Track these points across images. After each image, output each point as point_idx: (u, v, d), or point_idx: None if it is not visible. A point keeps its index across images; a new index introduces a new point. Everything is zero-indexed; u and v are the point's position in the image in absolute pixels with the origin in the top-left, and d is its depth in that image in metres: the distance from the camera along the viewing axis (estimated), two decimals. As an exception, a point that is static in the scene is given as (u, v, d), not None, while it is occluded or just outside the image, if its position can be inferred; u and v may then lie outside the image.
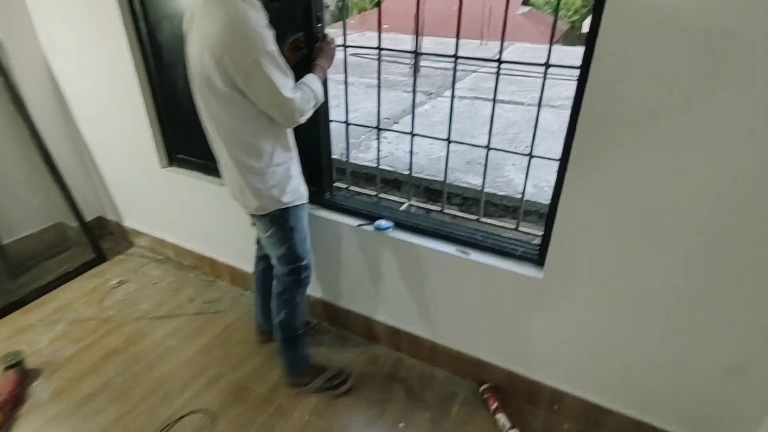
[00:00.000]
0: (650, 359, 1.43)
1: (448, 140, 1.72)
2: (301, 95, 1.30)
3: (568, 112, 1.29)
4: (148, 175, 2.32)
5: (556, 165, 1.38)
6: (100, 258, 2.55)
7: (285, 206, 1.48)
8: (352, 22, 12.95)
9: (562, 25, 17.80)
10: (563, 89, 6.59)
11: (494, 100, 1.55)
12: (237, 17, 1.16)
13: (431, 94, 6.84)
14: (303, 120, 1.35)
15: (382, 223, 1.75)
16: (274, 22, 1.27)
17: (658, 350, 1.41)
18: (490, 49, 10.37)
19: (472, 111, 6.09)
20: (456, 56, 1.54)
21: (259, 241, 1.82)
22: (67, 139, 2.48)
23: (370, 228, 1.77)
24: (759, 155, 1.06)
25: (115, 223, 2.73)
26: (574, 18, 17.87)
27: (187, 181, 2.22)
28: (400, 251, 1.75)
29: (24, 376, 1.82)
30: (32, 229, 2.50)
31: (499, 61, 1.49)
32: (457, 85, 8.50)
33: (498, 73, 1.56)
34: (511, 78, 7.56)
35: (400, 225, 1.76)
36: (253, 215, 1.54)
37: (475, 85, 7.52)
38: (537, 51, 10.06)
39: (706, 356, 1.35)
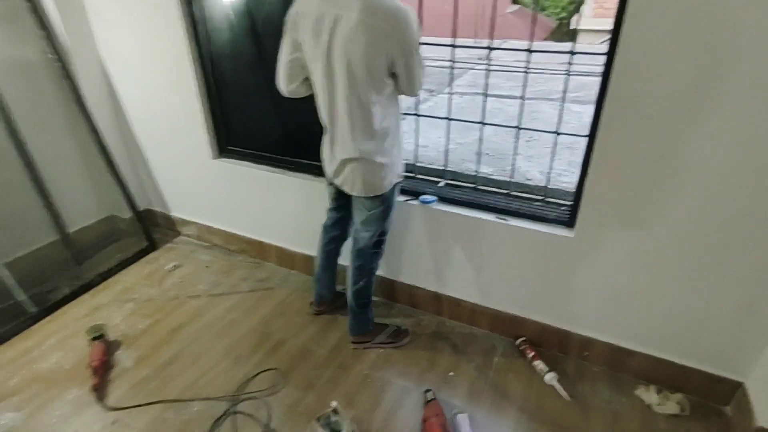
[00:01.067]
0: (671, 302, 1.68)
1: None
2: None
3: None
4: (200, 166, 2.53)
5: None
6: (152, 246, 2.75)
7: (395, 183, 1.69)
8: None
9: (551, 22, 18.18)
10: (559, 84, 6.88)
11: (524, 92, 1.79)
12: (404, 12, 1.36)
13: (433, 91, 7.09)
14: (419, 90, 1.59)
15: (427, 197, 1.99)
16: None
17: (678, 293, 1.65)
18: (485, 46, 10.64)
19: (475, 106, 6.34)
20: (490, 48, 1.78)
21: (337, 221, 1.95)
22: (119, 137, 2.68)
23: (415, 202, 2.00)
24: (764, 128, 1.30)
25: (162, 214, 2.93)
26: (562, 15, 18.23)
27: (237, 170, 2.44)
28: (443, 222, 1.99)
29: (108, 345, 2.03)
30: (89, 221, 2.70)
31: (529, 51, 1.73)
32: (456, 82, 8.75)
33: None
34: (508, 74, 7.84)
35: (442, 199, 2.00)
36: (365, 198, 1.67)
37: (474, 82, 7.77)
38: (527, 47, 10.34)
39: (720, 295, 1.59)
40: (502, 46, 10.50)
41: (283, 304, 2.31)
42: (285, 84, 1.63)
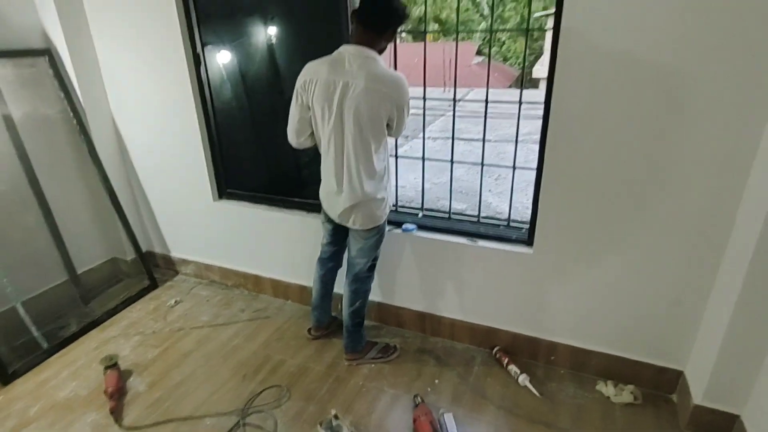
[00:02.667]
0: (617, 304, 1.99)
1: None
2: None
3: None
4: (201, 209, 2.79)
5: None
6: (153, 285, 2.95)
7: (387, 215, 1.99)
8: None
9: (514, 71, 19.53)
10: (523, 127, 7.50)
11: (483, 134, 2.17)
12: (401, 81, 1.74)
13: (408, 136, 7.59)
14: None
15: (408, 226, 2.30)
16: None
17: (621, 296, 1.97)
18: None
19: (447, 149, 6.83)
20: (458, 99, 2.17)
21: (333, 253, 2.20)
22: (125, 185, 2.94)
23: (398, 231, 2.30)
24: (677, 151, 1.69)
25: (162, 255, 3.14)
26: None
27: (236, 210, 2.72)
28: (422, 246, 2.29)
29: (121, 373, 2.19)
30: (95, 263, 2.90)
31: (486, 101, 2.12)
32: (428, 128, 9.36)
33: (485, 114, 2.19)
34: (476, 119, 8.47)
35: (420, 227, 2.31)
36: (363, 230, 1.94)
37: (445, 127, 8.36)
38: (493, 95, 11.19)
39: (655, 295, 1.91)
40: (469, 95, 11.29)
41: (280, 330, 2.52)
42: (295, 138, 1.93)
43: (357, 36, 1.74)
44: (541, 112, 1.85)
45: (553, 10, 1.70)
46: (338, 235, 2.13)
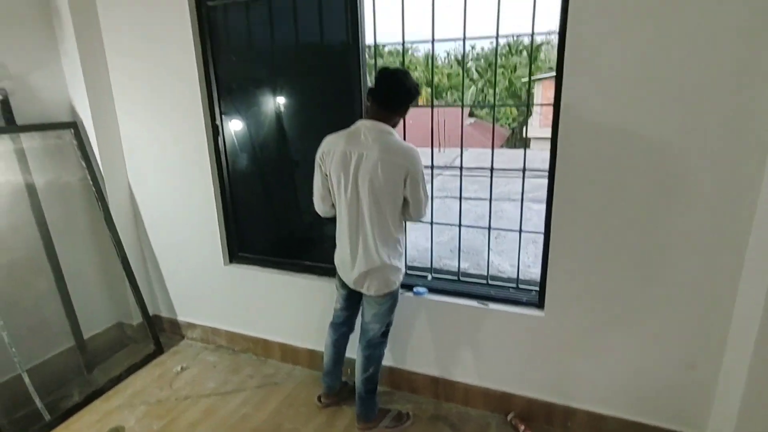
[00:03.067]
0: (631, 367, 1.99)
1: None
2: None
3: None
4: (212, 272, 2.82)
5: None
6: (159, 350, 2.90)
7: (401, 281, 2.03)
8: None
9: (505, 131, 20.35)
10: (519, 185, 7.74)
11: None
12: (414, 152, 1.83)
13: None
14: (423, 217, 1.98)
15: (419, 289, 2.33)
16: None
17: (635, 358, 1.98)
18: (448, 155, 11.82)
19: (446, 208, 7.01)
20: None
21: (346, 318, 2.21)
22: (137, 249, 2.98)
23: (409, 294, 2.33)
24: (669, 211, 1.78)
25: (168, 319, 3.12)
26: (514, 125, 20.52)
27: (246, 273, 2.75)
28: (434, 310, 2.31)
29: (127, 447, 2.12)
30: (100, 328, 2.87)
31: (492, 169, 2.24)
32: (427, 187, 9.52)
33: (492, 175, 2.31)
34: (472, 179, 8.73)
35: (431, 290, 2.35)
36: (378, 296, 1.97)
37: (442, 186, 8.58)
38: (486, 155, 11.64)
39: (670, 358, 1.92)
40: (464, 154, 11.71)
41: (290, 398, 2.47)
42: (321, 205, 2.02)
43: (372, 113, 1.87)
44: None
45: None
46: (352, 300, 2.15)
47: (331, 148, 1.88)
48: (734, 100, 1.59)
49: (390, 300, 2.02)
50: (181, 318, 3.08)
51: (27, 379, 2.28)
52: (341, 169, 1.85)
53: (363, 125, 1.86)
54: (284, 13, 2.30)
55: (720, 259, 1.74)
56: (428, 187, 1.93)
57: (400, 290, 2.28)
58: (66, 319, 2.58)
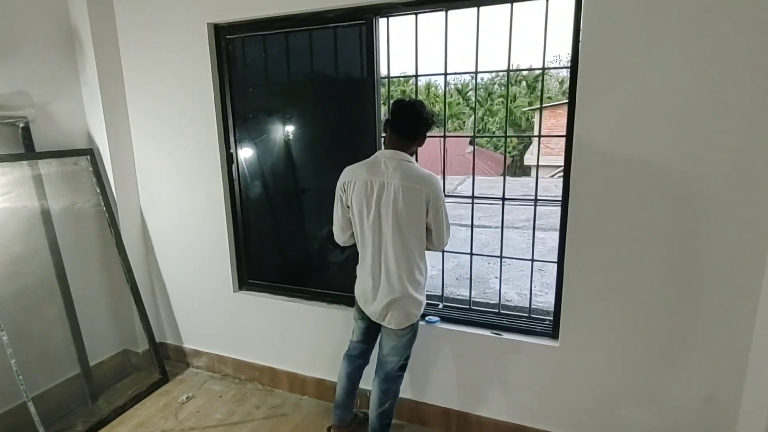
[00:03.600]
0: (651, 400, 1.97)
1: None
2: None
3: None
4: (221, 299, 2.81)
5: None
6: (164, 379, 2.86)
7: (421, 313, 2.01)
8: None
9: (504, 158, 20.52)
10: (521, 213, 7.80)
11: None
12: (434, 178, 1.86)
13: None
14: (445, 246, 1.99)
15: (432, 318, 2.32)
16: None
17: (652, 389, 1.95)
18: (450, 182, 11.94)
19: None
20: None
21: (363, 351, 2.18)
22: (146, 276, 2.97)
23: (422, 323, 2.31)
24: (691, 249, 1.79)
25: (174, 346, 3.08)
26: (514, 153, 20.74)
27: (256, 300, 2.73)
28: (446, 339, 2.29)
29: (132, 480, 2.06)
30: (105, 356, 2.83)
31: (503, 199, 2.27)
32: (430, 214, 9.55)
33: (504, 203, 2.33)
34: (476, 206, 8.76)
35: (443, 319, 2.33)
36: (399, 329, 1.94)
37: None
38: (488, 182, 11.76)
39: (689, 390, 1.90)
40: (465, 182, 11.80)
41: (298, 429, 2.42)
42: (341, 235, 2.03)
43: (391, 142, 1.91)
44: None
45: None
46: (370, 332, 2.13)
47: (351, 179, 1.91)
48: (748, 126, 1.63)
49: (410, 332, 2.00)
50: (187, 345, 3.05)
51: (32, 408, 2.23)
52: (363, 198, 1.87)
53: (383, 155, 1.90)
54: (300, 46, 2.38)
55: (739, 288, 1.74)
56: (448, 216, 1.94)
57: (415, 320, 2.27)
58: (73, 346, 2.55)
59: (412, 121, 1.90)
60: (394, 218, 1.84)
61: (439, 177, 2.09)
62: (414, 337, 2.04)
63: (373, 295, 1.95)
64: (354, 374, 2.21)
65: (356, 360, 2.20)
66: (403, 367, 2.06)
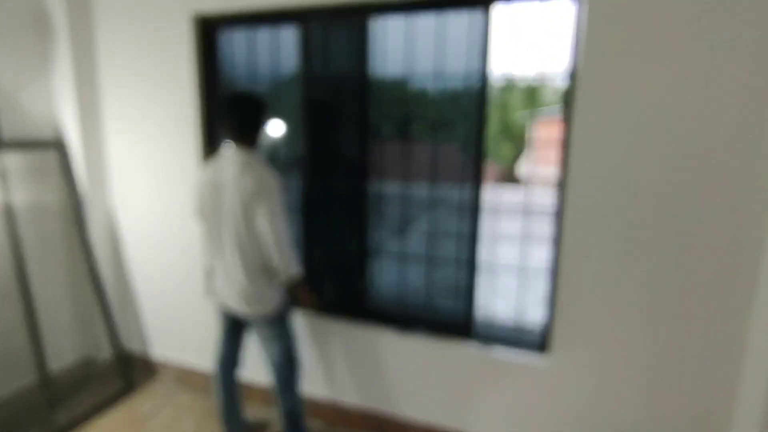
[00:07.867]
0: (637, 416, 1.86)
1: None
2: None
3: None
4: (191, 304, 2.64)
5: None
6: (129, 388, 2.68)
7: (282, 304, 1.96)
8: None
9: (497, 168, 20.61)
10: (508, 225, 7.73)
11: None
12: (267, 173, 1.81)
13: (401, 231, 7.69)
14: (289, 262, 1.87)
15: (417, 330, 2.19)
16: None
17: (643, 406, 1.84)
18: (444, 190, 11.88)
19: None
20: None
21: (231, 347, 2.13)
22: (114, 278, 2.80)
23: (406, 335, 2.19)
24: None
25: (141, 355, 2.90)
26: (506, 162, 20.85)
27: (231, 307, 2.57)
28: (433, 352, 2.16)
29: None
30: (65, 362, 2.66)
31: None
32: (415, 225, 9.50)
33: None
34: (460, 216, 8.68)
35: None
36: (256, 319, 1.94)
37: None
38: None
39: (681, 406, 1.81)
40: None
41: (271, 446, 2.27)
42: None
43: (231, 137, 1.88)
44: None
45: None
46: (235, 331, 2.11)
47: (203, 179, 1.92)
48: (745, 143, 1.57)
49: (273, 323, 1.97)
50: (155, 353, 2.87)
51: (-19, 420, 2.07)
52: (209, 198, 1.88)
53: (225, 151, 1.91)
54: (286, 42, 2.26)
55: (731, 304, 1.68)
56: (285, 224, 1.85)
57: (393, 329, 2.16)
58: (31, 352, 2.37)
59: (247, 111, 1.88)
60: (233, 214, 1.85)
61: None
62: (282, 329, 2.02)
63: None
64: (226, 378, 2.17)
65: (226, 367, 2.16)
66: (291, 358, 2.05)
